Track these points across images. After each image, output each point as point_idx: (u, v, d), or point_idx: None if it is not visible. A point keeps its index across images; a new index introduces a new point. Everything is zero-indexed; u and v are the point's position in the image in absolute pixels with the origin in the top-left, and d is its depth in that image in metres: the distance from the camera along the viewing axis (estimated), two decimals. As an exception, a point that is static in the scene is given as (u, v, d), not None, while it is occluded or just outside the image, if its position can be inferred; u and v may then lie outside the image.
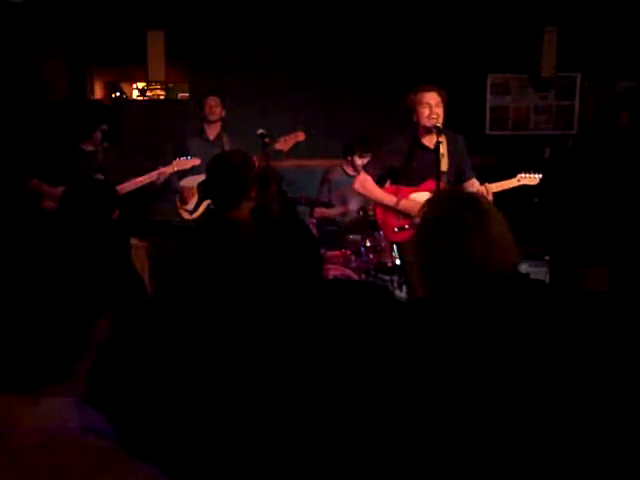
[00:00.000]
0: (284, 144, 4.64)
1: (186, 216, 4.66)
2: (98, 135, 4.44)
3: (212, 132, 4.87)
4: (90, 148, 4.45)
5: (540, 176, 4.01)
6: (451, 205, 1.70)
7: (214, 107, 4.82)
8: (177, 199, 4.71)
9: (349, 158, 5.09)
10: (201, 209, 4.65)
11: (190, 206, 4.65)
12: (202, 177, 4.45)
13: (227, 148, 4.61)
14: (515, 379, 1.43)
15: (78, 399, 0.97)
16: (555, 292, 1.64)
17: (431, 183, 3.75)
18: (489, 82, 6.88)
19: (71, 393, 0.97)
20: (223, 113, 4.89)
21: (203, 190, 2.77)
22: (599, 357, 1.52)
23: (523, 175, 4.02)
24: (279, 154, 4.79)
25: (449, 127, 3.84)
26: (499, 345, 1.46)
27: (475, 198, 1.75)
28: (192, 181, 4.61)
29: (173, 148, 4.85)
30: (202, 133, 4.87)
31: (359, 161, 4.97)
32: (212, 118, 4.82)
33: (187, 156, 4.56)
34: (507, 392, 1.42)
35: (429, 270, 1.68)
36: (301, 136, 4.67)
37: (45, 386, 0.94)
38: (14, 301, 0.93)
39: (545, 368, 1.44)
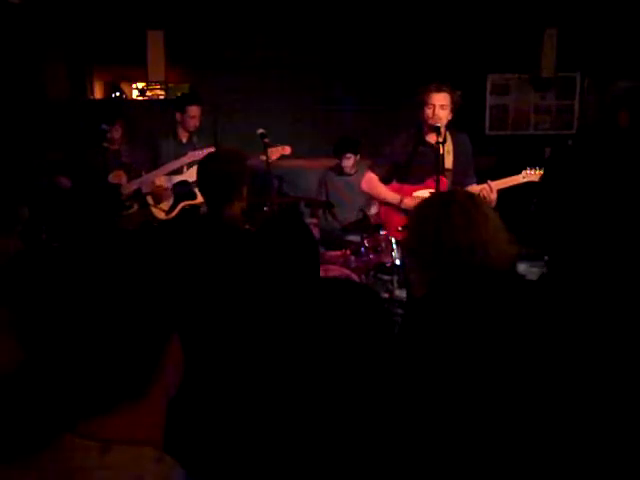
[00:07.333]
0: (271, 154, 4.35)
1: (161, 216, 4.63)
2: (115, 134, 4.62)
3: (184, 134, 4.77)
4: (115, 147, 4.64)
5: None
6: (442, 201, 1.71)
7: (196, 119, 4.68)
8: (149, 199, 4.65)
9: (339, 162, 5.23)
10: (177, 209, 4.65)
11: (165, 206, 4.64)
12: (177, 177, 4.62)
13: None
14: (510, 377, 1.43)
15: (157, 448, 0.90)
16: (549, 289, 1.64)
17: (434, 180, 3.74)
18: (489, 82, 6.88)
19: (142, 420, 0.90)
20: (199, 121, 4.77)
21: (198, 187, 2.78)
22: (595, 352, 1.52)
23: (529, 171, 3.88)
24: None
25: (450, 127, 3.84)
26: (492, 343, 1.45)
27: (467, 194, 1.77)
28: (167, 181, 4.62)
29: (144, 149, 4.79)
30: (174, 135, 4.77)
31: (345, 162, 5.12)
32: (192, 130, 4.73)
33: (159, 157, 4.62)
34: (500, 389, 1.42)
35: (424, 268, 1.68)
36: (287, 150, 4.52)
37: (115, 405, 0.88)
38: (91, 312, 0.87)
39: (540, 365, 1.44)
